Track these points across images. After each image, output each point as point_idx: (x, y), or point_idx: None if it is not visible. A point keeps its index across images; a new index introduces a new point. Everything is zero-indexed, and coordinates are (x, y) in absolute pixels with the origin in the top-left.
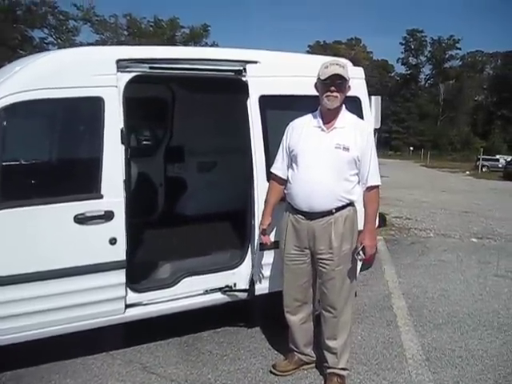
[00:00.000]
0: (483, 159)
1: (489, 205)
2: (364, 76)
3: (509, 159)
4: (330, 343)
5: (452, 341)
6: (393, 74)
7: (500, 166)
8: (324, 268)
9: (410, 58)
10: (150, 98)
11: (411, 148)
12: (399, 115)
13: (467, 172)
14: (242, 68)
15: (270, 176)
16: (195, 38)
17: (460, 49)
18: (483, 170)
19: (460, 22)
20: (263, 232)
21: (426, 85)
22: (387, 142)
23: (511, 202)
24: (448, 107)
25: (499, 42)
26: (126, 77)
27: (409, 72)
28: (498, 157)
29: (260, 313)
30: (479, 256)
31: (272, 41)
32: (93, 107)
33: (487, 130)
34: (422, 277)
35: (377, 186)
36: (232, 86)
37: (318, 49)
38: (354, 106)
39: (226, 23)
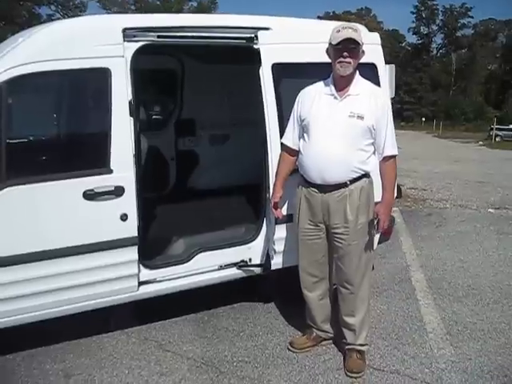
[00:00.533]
0: (496, 129)
1: (504, 175)
2: (380, 42)
3: None
4: (349, 320)
5: (473, 314)
6: (404, 44)
7: None
8: (339, 243)
9: (421, 27)
10: (158, 69)
11: (423, 119)
12: (411, 86)
13: (480, 142)
14: (253, 35)
15: (281, 147)
16: (203, 11)
17: (472, 17)
18: (497, 139)
19: None
20: (275, 205)
21: (438, 54)
22: (399, 113)
23: None
24: (460, 77)
25: None
26: (134, 46)
27: (420, 41)
28: (511, 126)
29: (276, 288)
30: (497, 227)
31: (281, 11)
32: (99, 79)
33: (500, 99)
34: (439, 248)
35: (394, 156)
36: (243, 54)
37: (327, 19)
38: (371, 73)
39: None
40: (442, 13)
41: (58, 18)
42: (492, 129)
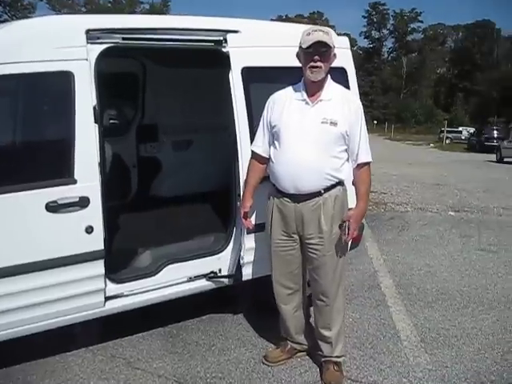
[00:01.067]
0: (447, 131)
1: (459, 177)
2: (349, 46)
3: (472, 131)
4: (325, 332)
5: (445, 319)
6: (355, 48)
7: (463, 137)
8: (314, 254)
9: (372, 32)
10: (121, 73)
11: (375, 121)
12: (363, 89)
13: (431, 144)
14: (222, 38)
15: (251, 154)
16: (155, 13)
17: (422, 22)
18: (447, 141)
19: None
20: (245, 215)
21: (389, 58)
22: None
23: (481, 174)
24: (411, 80)
25: (460, 15)
26: (98, 49)
27: (371, 45)
28: (460, 129)
29: (247, 298)
30: (459, 230)
31: (234, 14)
32: (62, 83)
33: (449, 102)
34: (405, 253)
35: (368, 163)
36: (210, 57)
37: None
38: (341, 77)
39: None
40: (392, 17)
41: (6, 20)
42: (442, 131)
